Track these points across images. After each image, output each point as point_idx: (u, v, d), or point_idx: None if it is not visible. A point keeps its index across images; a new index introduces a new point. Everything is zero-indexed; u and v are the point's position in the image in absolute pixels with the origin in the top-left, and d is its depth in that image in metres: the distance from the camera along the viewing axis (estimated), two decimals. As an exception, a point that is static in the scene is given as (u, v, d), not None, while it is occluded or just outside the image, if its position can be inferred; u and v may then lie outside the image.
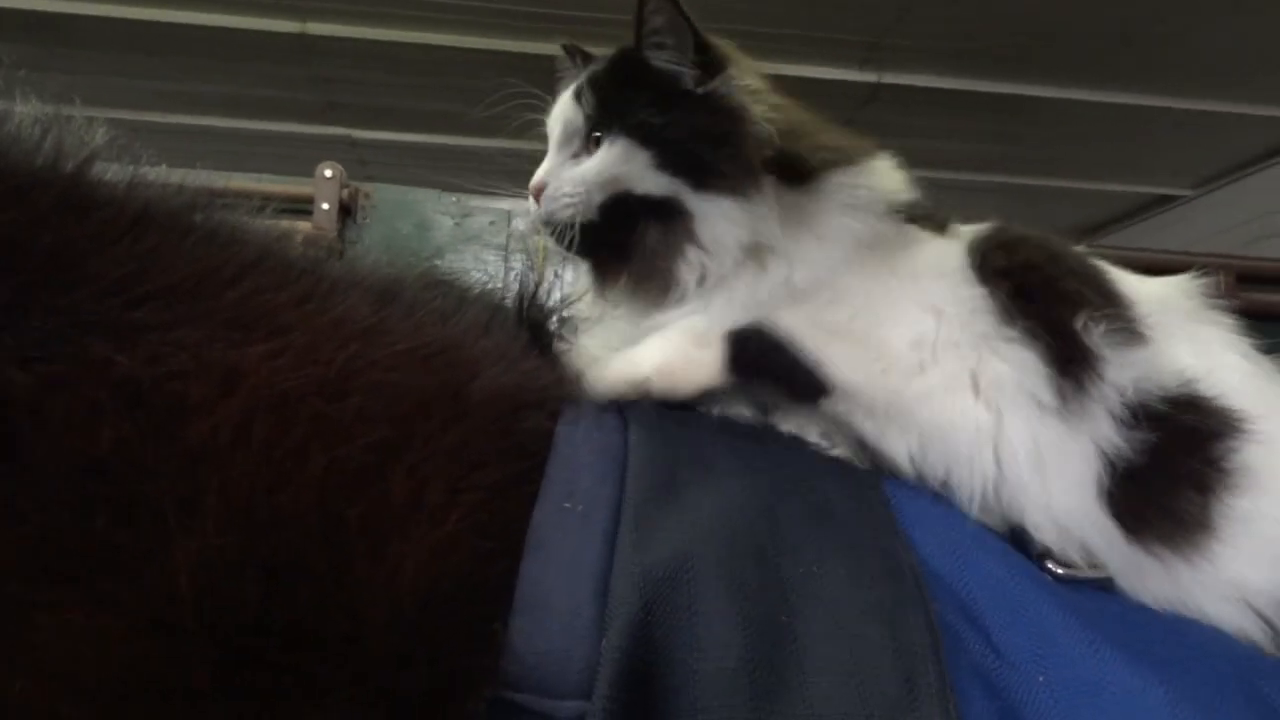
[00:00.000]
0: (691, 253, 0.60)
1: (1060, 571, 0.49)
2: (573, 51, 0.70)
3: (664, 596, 0.38)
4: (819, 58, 2.81)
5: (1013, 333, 0.56)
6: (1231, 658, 0.47)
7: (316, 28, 2.73)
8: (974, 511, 0.53)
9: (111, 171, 0.46)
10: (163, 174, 0.49)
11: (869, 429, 0.55)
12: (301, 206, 2.12)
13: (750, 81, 0.63)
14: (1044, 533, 0.52)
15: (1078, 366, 0.56)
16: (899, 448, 0.55)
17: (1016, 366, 0.56)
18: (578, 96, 0.63)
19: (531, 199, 0.64)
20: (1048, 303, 0.58)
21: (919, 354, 0.57)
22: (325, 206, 2.09)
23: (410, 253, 1.92)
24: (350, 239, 2.13)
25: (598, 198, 0.61)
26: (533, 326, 0.55)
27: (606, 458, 0.44)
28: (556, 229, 0.63)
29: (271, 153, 3.54)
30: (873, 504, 0.46)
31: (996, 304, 0.57)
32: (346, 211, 2.13)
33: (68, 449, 0.34)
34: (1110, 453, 0.54)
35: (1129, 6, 2.52)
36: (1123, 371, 0.55)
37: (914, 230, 0.63)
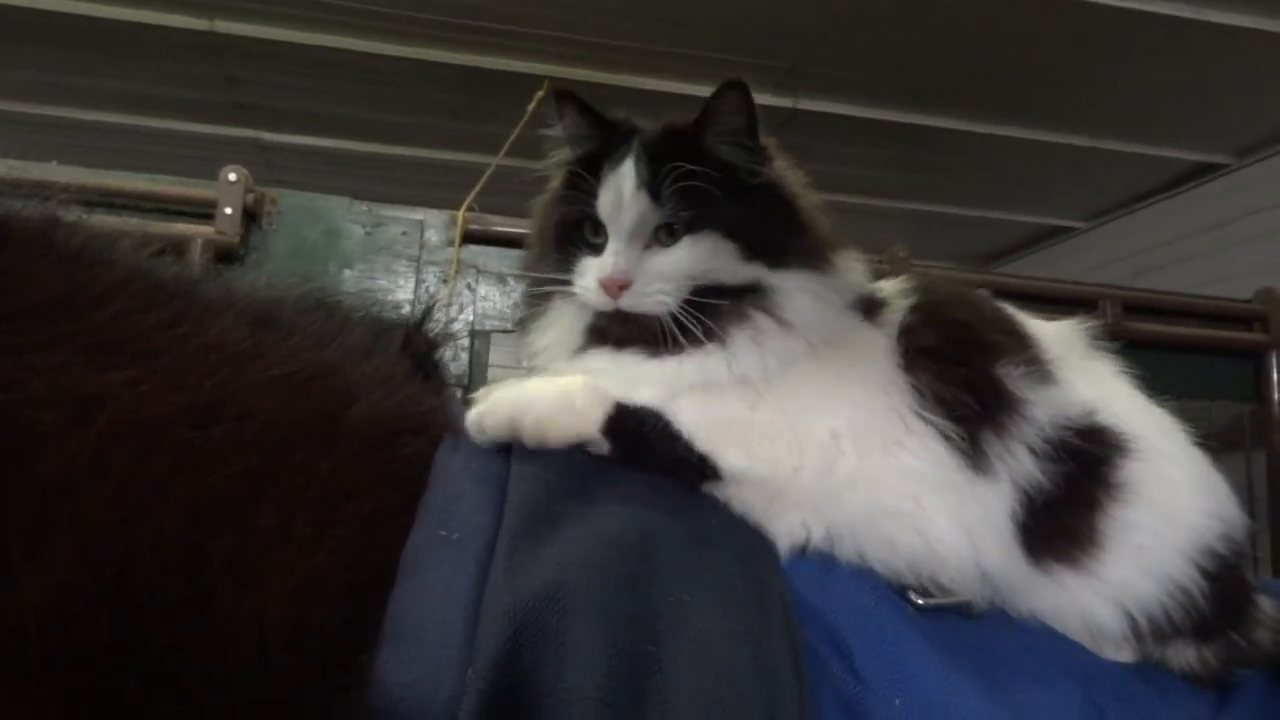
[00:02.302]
0: (761, 320, 0.62)
1: (920, 602, 0.51)
2: (586, 109, 0.68)
3: (533, 626, 0.38)
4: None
5: (932, 418, 0.60)
6: (1073, 672, 0.52)
7: (224, 25, 2.65)
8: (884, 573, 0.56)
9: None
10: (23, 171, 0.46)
11: (760, 510, 0.55)
12: (204, 210, 2.05)
13: (785, 168, 0.67)
14: (958, 584, 0.56)
15: (1002, 412, 0.61)
16: (795, 530, 0.55)
17: (931, 456, 0.59)
18: (651, 190, 0.62)
19: (600, 289, 0.62)
20: (971, 358, 0.63)
21: (838, 447, 0.59)
22: (229, 211, 2.02)
23: (318, 261, 1.87)
24: (254, 245, 2.07)
25: (686, 290, 0.62)
26: (417, 352, 0.54)
27: (486, 485, 0.44)
28: (638, 323, 0.62)
29: (175, 153, 3.41)
30: (750, 533, 0.47)
31: (919, 389, 0.61)
32: (251, 217, 2.06)
33: None
34: (1028, 488, 0.59)
35: (1036, 47, 2.65)
36: (1041, 410, 0.61)
37: (854, 320, 0.66)
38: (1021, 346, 0.65)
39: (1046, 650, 0.54)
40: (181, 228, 1.81)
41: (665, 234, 0.63)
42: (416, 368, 0.52)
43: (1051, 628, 0.59)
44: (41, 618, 0.33)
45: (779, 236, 0.64)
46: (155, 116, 3.23)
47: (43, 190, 0.51)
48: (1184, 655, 0.63)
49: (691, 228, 0.62)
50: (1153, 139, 3.22)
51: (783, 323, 0.62)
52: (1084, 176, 3.49)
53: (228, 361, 0.40)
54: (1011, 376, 0.63)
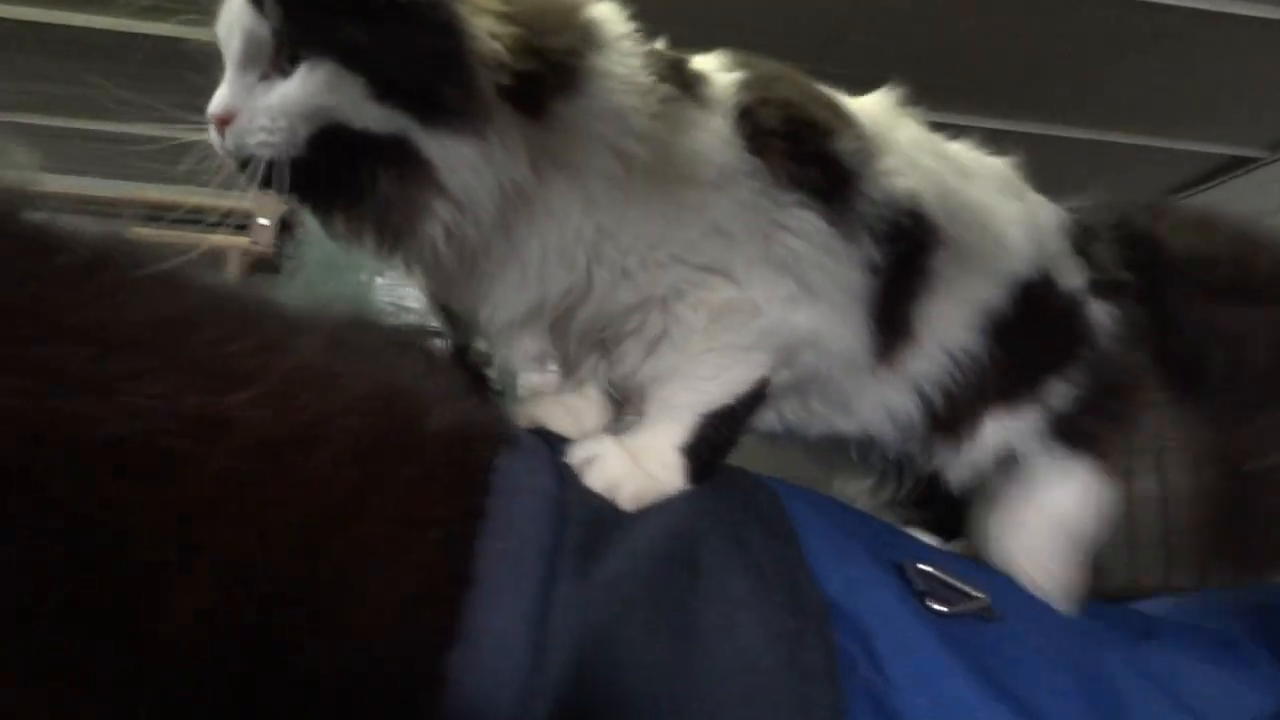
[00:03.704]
0: (438, 205, 0.54)
1: (940, 609, 0.54)
2: None
3: (594, 636, 0.41)
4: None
5: (792, 194, 0.60)
6: (1094, 673, 0.54)
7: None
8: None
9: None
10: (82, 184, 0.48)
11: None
12: (240, 221, 2.10)
13: None
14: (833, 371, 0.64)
15: (847, 189, 0.62)
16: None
17: (805, 234, 0.61)
18: (256, 1, 0.52)
19: (213, 129, 0.54)
20: (809, 136, 0.61)
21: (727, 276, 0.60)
22: (264, 222, 2.08)
23: (350, 270, 1.91)
24: (288, 255, 2.12)
25: (303, 131, 0.52)
26: (470, 369, 0.58)
27: (544, 499, 0.47)
28: (253, 166, 0.53)
29: (202, 165, 3.46)
30: (783, 539, 0.51)
31: (773, 171, 0.60)
32: (286, 227, 2.11)
33: (51, 513, 0.35)
34: (871, 270, 0.63)
35: (1057, 41, 2.65)
36: (873, 188, 0.63)
37: (672, 113, 0.58)
38: (847, 123, 0.64)
39: (1066, 650, 0.56)
40: (218, 239, 1.87)
41: (286, 62, 0.52)
42: (470, 381, 0.56)
43: (1070, 624, 0.62)
44: (188, 640, 0.35)
45: (431, 77, 0.51)
46: (183, 127, 3.28)
47: (110, 208, 0.54)
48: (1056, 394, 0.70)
49: (309, 53, 0.51)
50: (1182, 133, 3.21)
51: (449, 200, 0.53)
52: (1112, 172, 3.48)
53: (317, 383, 0.44)
54: (846, 154, 0.62)
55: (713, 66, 0.64)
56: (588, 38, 0.57)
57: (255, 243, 2.05)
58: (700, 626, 0.43)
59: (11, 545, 0.34)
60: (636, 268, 0.59)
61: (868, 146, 0.64)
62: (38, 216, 0.44)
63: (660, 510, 0.51)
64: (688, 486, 0.57)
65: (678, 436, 0.59)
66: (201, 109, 0.56)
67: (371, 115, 0.51)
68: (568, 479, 0.51)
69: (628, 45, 0.59)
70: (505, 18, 0.53)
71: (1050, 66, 2.86)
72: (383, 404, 0.46)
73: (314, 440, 0.41)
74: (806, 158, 0.60)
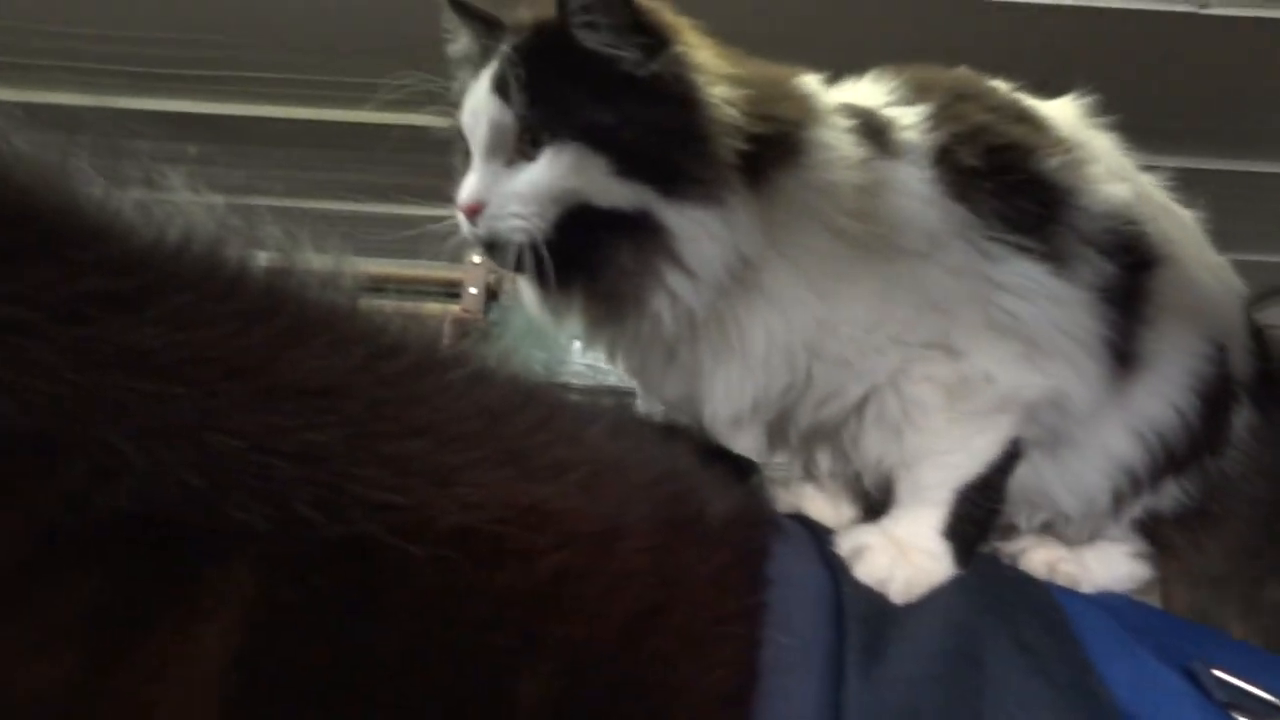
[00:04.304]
0: (671, 277, 0.54)
1: None
2: (463, 8, 0.60)
3: None
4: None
5: (1005, 237, 0.57)
6: None
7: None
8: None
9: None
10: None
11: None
12: (451, 290, 2.26)
13: (701, 55, 0.55)
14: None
15: (1061, 208, 0.58)
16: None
17: (1024, 291, 0.58)
18: (501, 90, 0.54)
19: (462, 217, 0.56)
20: (1011, 162, 0.58)
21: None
22: (473, 290, 2.22)
23: (550, 334, 2.01)
24: (493, 320, 2.25)
25: (552, 214, 0.54)
26: (728, 453, 0.60)
27: (819, 596, 0.48)
28: (506, 250, 0.55)
29: (415, 237, 3.74)
30: (1064, 638, 0.49)
31: (979, 215, 0.57)
32: (492, 295, 2.25)
33: (421, 602, 0.38)
34: (1102, 289, 0.59)
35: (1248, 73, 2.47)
36: (1089, 198, 0.59)
37: (874, 178, 0.57)
38: (1045, 134, 0.61)
39: None
40: (430, 307, 2.02)
41: (529, 147, 0.54)
42: (732, 466, 0.58)
43: None
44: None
45: (672, 149, 0.52)
46: (397, 205, 3.57)
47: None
48: (1166, 496, 0.63)
49: (554, 137, 0.53)
50: None
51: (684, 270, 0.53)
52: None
53: (613, 471, 0.47)
54: (1053, 170, 0.59)
55: (886, 97, 0.62)
56: (809, 109, 0.58)
57: (466, 310, 2.19)
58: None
59: (398, 628, 0.38)
60: (855, 356, 0.58)
61: (1074, 155, 0.61)
62: (377, 319, 0.49)
63: (935, 605, 0.50)
64: (956, 571, 0.56)
65: (938, 520, 0.58)
66: (433, 191, 0.62)
67: (617, 192, 0.53)
68: (837, 569, 0.52)
69: (840, 119, 0.59)
70: (738, 81, 0.55)
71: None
72: (666, 491, 0.48)
73: (623, 532, 0.43)
74: (1013, 189, 0.58)
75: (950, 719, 0.42)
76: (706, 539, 0.47)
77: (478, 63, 0.59)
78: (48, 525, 0.35)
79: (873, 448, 0.61)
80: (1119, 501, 0.64)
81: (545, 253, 0.54)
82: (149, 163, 0.45)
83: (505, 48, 0.55)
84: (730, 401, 0.59)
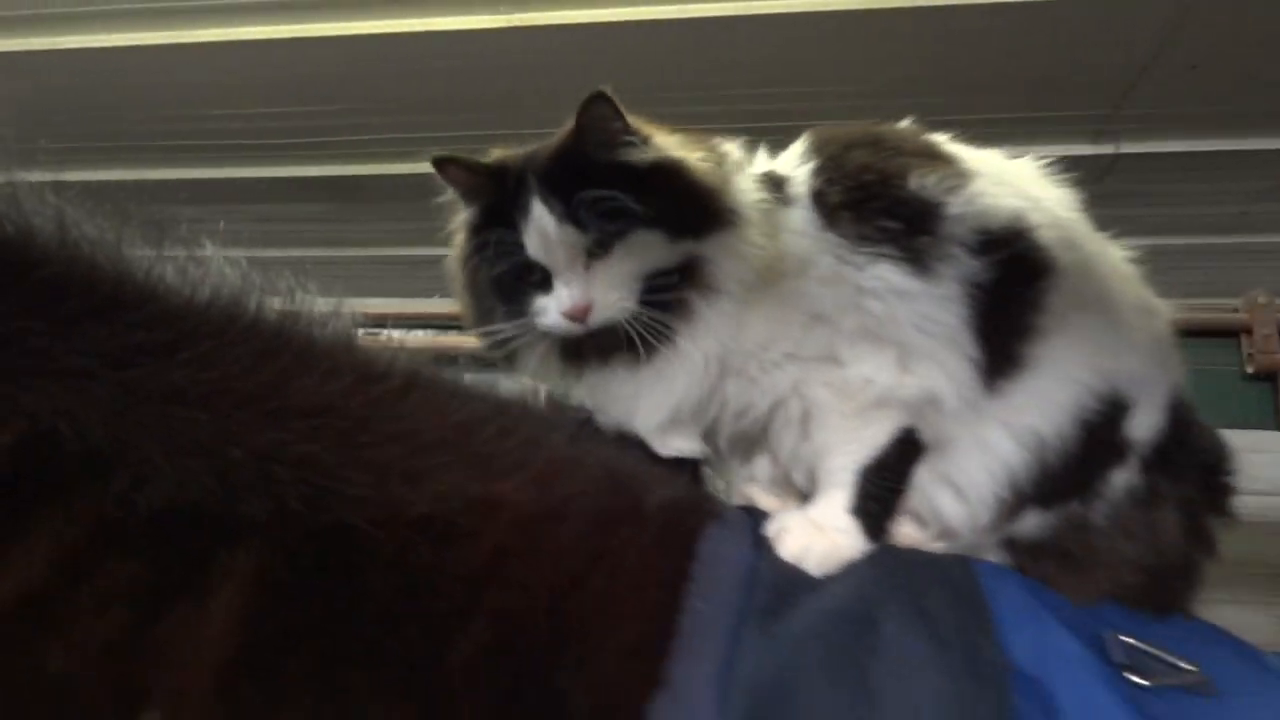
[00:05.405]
0: (695, 299, 0.68)
1: (1142, 682, 0.53)
2: (447, 165, 0.72)
3: (773, 692, 0.47)
4: (1051, 136, 2.76)
5: (865, 250, 0.68)
6: None
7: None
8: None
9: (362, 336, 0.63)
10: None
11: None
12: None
13: (662, 138, 0.70)
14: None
15: (925, 218, 0.67)
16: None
17: (884, 294, 0.67)
18: (574, 220, 0.67)
19: (566, 320, 0.68)
20: (880, 189, 0.68)
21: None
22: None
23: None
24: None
25: (639, 287, 0.68)
26: (684, 460, 0.68)
27: (741, 569, 0.55)
28: (604, 334, 0.68)
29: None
30: (971, 608, 0.54)
31: (845, 239, 0.68)
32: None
33: (387, 575, 0.48)
34: (972, 288, 0.67)
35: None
36: (962, 207, 0.67)
37: (770, 223, 0.70)
38: (935, 160, 0.69)
39: None
40: (449, 339, 2.13)
41: (597, 247, 0.67)
42: (685, 468, 0.66)
43: None
44: (474, 664, 0.47)
45: (691, 207, 0.68)
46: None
47: (379, 320, 0.70)
48: (1027, 523, 0.68)
49: (621, 237, 0.67)
50: None
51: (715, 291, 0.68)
52: None
53: (564, 469, 0.56)
54: (925, 188, 0.67)
55: (795, 159, 0.75)
56: (733, 166, 0.73)
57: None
58: (873, 684, 0.48)
59: (368, 595, 0.48)
60: (758, 373, 0.70)
61: (955, 174, 0.69)
62: (368, 350, 0.61)
63: (845, 576, 0.57)
64: (868, 546, 0.64)
65: (845, 500, 0.68)
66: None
67: (675, 252, 0.68)
68: (764, 549, 0.59)
69: (750, 178, 0.73)
70: (694, 149, 0.71)
71: None
72: (612, 484, 0.57)
73: (561, 516, 0.52)
74: (875, 213, 0.68)
75: (832, 671, 0.48)
76: (638, 522, 0.55)
77: (483, 201, 0.72)
78: (102, 518, 0.47)
79: (789, 448, 0.72)
80: (1002, 512, 0.70)
81: (644, 317, 0.68)
82: (188, 230, 0.58)
83: (538, 188, 0.68)
84: (653, 414, 0.71)
